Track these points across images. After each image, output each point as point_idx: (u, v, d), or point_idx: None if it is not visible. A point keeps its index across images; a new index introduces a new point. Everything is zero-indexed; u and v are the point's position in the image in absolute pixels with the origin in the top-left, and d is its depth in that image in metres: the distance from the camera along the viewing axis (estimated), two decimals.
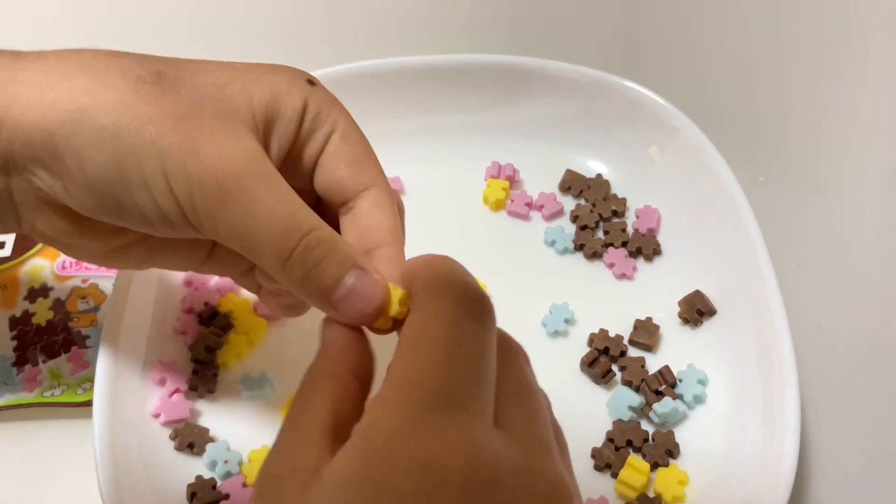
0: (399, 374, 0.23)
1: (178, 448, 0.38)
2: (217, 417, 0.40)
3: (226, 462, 0.38)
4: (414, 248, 0.45)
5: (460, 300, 0.24)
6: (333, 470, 0.21)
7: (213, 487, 0.37)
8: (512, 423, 0.23)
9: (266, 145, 0.29)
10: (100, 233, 0.30)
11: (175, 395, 0.39)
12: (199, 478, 0.37)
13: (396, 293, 0.27)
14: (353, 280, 0.26)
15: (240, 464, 0.38)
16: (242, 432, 0.39)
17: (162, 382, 0.40)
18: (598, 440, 0.39)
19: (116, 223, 0.29)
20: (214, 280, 0.43)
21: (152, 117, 0.27)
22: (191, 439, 0.38)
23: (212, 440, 0.39)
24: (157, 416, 0.39)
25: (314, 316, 0.43)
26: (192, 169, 0.26)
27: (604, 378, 0.41)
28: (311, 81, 0.31)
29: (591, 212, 0.46)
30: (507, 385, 0.24)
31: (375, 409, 0.22)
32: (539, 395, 0.26)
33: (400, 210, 0.32)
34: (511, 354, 0.26)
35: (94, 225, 0.30)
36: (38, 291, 0.44)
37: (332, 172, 0.30)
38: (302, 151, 0.30)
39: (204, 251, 0.33)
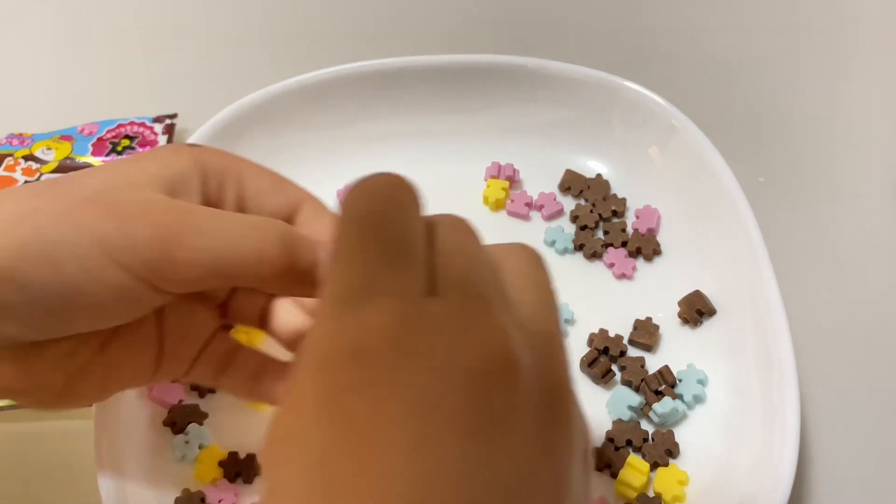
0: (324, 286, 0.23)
1: (176, 433, 0.39)
2: (218, 418, 0.40)
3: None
4: None
5: (359, 200, 0.24)
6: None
7: (202, 501, 0.37)
8: (448, 289, 0.22)
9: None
10: (52, 360, 0.29)
11: (175, 382, 0.40)
12: (185, 491, 0.37)
13: None
14: (323, 253, 0.29)
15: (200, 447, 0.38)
16: (242, 432, 0.39)
17: None
18: (598, 440, 0.39)
19: (68, 330, 0.28)
20: None
21: (61, 209, 0.27)
22: (188, 419, 0.39)
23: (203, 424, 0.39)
24: (150, 387, 0.39)
25: None
26: (129, 232, 0.27)
27: (603, 378, 0.41)
28: (193, 145, 0.31)
29: (591, 212, 0.46)
30: (442, 258, 0.23)
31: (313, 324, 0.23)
32: (482, 257, 0.24)
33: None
34: (449, 230, 0.25)
35: (45, 354, 0.28)
36: None
37: (263, 207, 0.31)
38: (223, 204, 0.31)
39: (153, 348, 0.32)
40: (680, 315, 0.43)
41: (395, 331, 0.21)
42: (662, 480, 0.38)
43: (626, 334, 0.42)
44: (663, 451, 0.39)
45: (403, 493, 0.19)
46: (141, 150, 0.49)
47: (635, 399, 0.40)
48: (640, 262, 0.45)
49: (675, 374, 0.41)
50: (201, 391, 0.40)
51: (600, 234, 0.46)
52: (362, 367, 0.20)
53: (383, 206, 0.24)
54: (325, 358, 0.21)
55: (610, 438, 0.39)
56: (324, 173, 0.47)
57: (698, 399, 0.40)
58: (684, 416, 0.40)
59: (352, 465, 0.19)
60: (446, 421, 0.20)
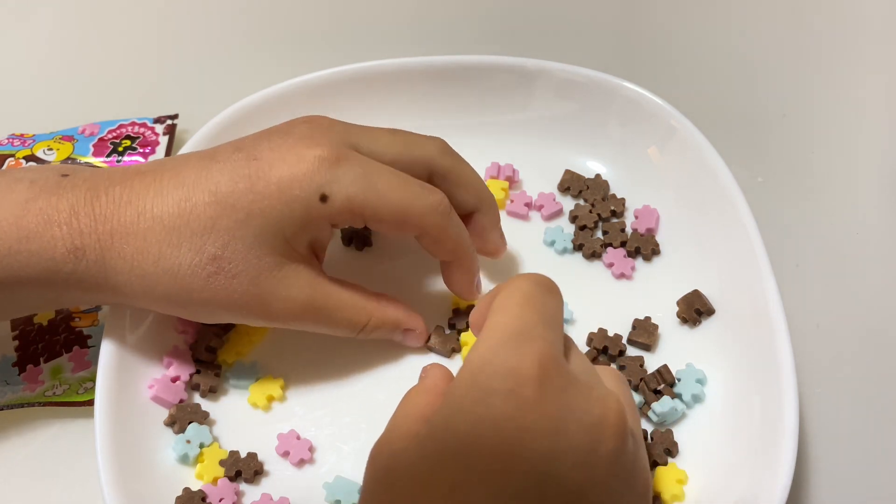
0: (488, 326, 0.31)
1: (178, 432, 0.39)
2: (219, 417, 0.40)
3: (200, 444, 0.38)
4: (414, 248, 0.45)
5: (533, 279, 0.33)
6: (452, 386, 0.30)
7: (203, 500, 0.37)
8: (575, 362, 0.32)
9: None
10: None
11: (176, 382, 0.40)
12: (186, 490, 0.37)
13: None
14: (400, 336, 0.41)
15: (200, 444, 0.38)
16: (243, 431, 0.40)
17: (168, 365, 0.40)
18: None
19: None
20: None
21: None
22: (189, 418, 0.39)
23: (208, 423, 0.39)
24: (150, 386, 0.39)
25: None
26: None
27: None
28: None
29: (591, 212, 0.46)
30: (571, 349, 0.33)
31: (474, 347, 0.31)
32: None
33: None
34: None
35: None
36: None
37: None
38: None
39: None
40: (679, 315, 0.43)
41: (543, 366, 0.29)
42: (661, 479, 0.38)
43: (625, 334, 0.42)
44: (662, 450, 0.39)
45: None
46: (142, 150, 0.49)
47: (634, 398, 0.40)
48: (639, 262, 0.45)
49: (673, 373, 0.41)
50: (202, 391, 0.40)
51: (599, 234, 0.46)
52: (511, 382, 0.29)
53: (546, 290, 0.33)
54: (483, 369, 0.29)
55: None
56: None
57: (697, 398, 0.40)
58: (683, 416, 0.40)
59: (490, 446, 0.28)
60: (568, 446, 0.28)
